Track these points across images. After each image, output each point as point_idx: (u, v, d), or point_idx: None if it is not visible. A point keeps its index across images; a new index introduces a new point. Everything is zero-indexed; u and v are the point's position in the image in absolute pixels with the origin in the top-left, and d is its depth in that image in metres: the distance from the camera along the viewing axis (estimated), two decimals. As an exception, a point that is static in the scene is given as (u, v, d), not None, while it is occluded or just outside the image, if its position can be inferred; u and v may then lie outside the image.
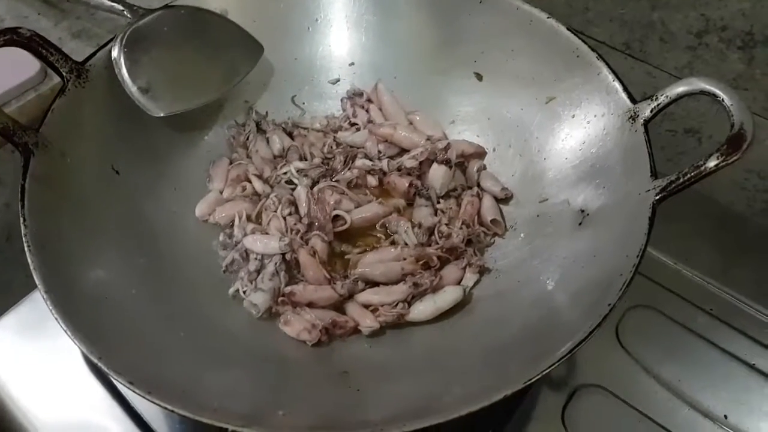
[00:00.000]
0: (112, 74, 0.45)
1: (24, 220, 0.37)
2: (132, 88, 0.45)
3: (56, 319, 0.33)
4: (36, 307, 0.51)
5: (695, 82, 0.38)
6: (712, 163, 0.35)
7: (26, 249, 0.36)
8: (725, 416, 0.47)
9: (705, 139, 0.63)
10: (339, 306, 0.46)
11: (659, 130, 0.65)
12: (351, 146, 0.54)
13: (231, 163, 0.52)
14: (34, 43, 0.42)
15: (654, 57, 0.61)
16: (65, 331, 0.33)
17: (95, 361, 0.32)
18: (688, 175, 0.36)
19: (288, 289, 0.45)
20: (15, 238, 0.65)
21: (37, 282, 0.35)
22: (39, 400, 0.47)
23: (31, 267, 0.35)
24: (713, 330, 0.51)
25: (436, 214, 0.50)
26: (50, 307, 0.34)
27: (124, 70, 0.45)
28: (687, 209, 0.58)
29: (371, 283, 0.46)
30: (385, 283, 0.46)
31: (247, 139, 0.53)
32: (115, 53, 0.45)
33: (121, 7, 0.49)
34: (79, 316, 0.34)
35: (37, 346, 0.49)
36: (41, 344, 0.49)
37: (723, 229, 0.60)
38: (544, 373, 0.31)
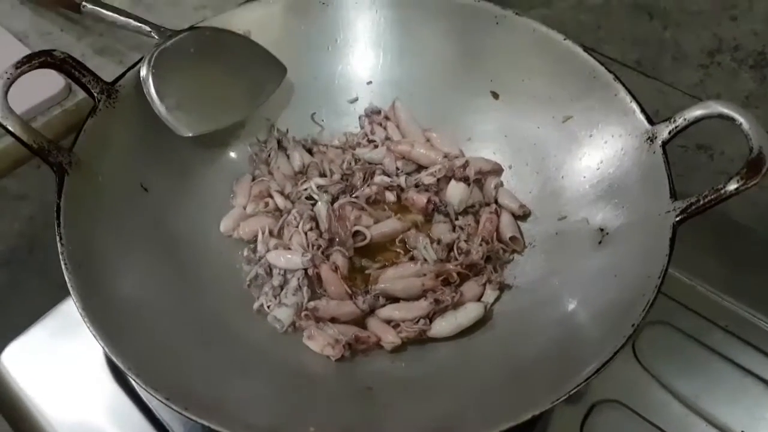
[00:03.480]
0: (140, 94, 0.46)
1: (61, 238, 0.38)
2: (160, 108, 0.46)
3: (95, 336, 0.34)
4: (61, 319, 0.52)
5: (713, 105, 0.39)
6: (732, 186, 0.36)
7: (63, 268, 0.37)
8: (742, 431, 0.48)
9: (717, 155, 0.64)
10: (360, 321, 0.46)
11: (670, 146, 0.66)
12: (369, 163, 0.55)
13: (254, 179, 0.53)
14: (67, 65, 0.43)
15: (666, 75, 0.62)
16: (104, 348, 0.34)
17: (132, 377, 0.33)
18: (709, 198, 0.37)
19: (311, 304, 0.46)
20: (37, 250, 0.66)
21: (74, 299, 0.35)
22: (64, 412, 0.47)
23: (69, 286, 0.36)
24: (728, 345, 0.52)
25: (454, 230, 0.51)
26: (88, 325, 0.34)
27: (152, 90, 0.46)
28: (700, 225, 0.59)
29: (392, 299, 0.47)
30: (406, 299, 0.47)
31: (269, 156, 0.54)
32: (143, 73, 0.47)
33: (148, 29, 0.50)
34: (116, 333, 0.35)
35: (62, 359, 0.50)
36: (66, 356, 0.50)
37: (736, 244, 0.60)
38: (570, 393, 0.32)
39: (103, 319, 0.36)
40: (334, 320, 0.46)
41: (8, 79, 0.40)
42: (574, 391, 0.32)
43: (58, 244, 0.37)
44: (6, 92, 0.39)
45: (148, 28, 0.50)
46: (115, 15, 0.51)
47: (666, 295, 0.53)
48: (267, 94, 0.51)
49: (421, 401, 0.39)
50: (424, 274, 0.47)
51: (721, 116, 0.38)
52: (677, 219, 0.37)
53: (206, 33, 0.50)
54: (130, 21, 0.51)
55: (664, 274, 0.35)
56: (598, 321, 0.38)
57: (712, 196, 0.36)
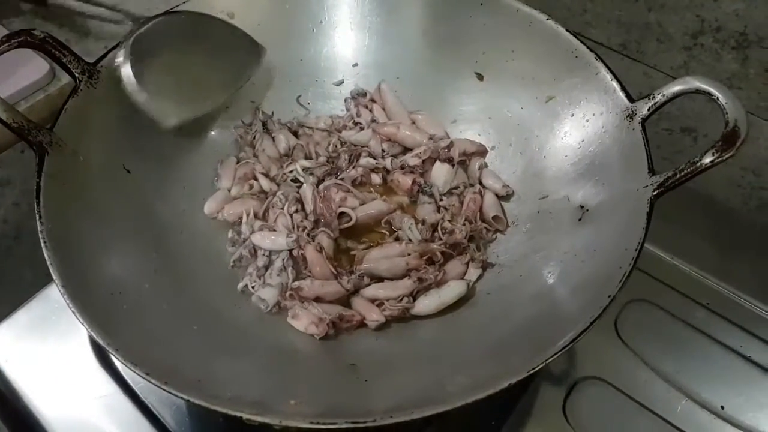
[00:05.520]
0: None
1: (40, 217, 0.37)
2: (140, 98, 0.45)
3: (73, 312, 0.34)
4: (46, 303, 0.52)
5: (691, 81, 0.39)
6: (707, 160, 0.36)
7: (43, 245, 0.36)
8: (722, 407, 0.48)
9: (701, 137, 0.64)
10: (345, 301, 0.47)
11: (656, 129, 0.67)
12: (355, 145, 0.56)
13: (238, 161, 0.53)
14: (48, 45, 0.43)
15: (650, 57, 0.62)
16: (82, 324, 0.34)
17: (112, 353, 0.33)
18: (685, 171, 0.37)
19: (296, 284, 0.46)
20: (24, 237, 0.66)
21: (54, 277, 0.35)
22: (50, 395, 0.47)
23: (48, 263, 0.36)
24: (710, 323, 0.53)
25: (439, 211, 0.51)
26: (67, 301, 0.34)
27: (131, 81, 0.45)
28: (684, 206, 0.59)
29: (376, 279, 0.47)
30: (390, 279, 0.47)
31: (254, 138, 0.54)
32: (120, 61, 0.45)
33: (121, 16, 0.49)
34: (96, 310, 0.35)
35: (47, 342, 0.50)
36: (51, 340, 0.50)
37: (719, 225, 0.61)
38: (547, 361, 0.32)
39: (84, 297, 0.36)
40: (318, 300, 0.46)
41: (-14, 58, 0.39)
42: (552, 360, 0.32)
43: (38, 223, 0.37)
44: (-16, 72, 0.39)
45: (121, 15, 0.49)
46: (83, 3, 0.50)
47: (648, 273, 0.55)
48: (247, 77, 0.51)
49: (403, 375, 0.39)
50: (409, 254, 0.47)
51: (699, 91, 0.38)
52: (655, 193, 0.37)
53: (181, 17, 0.49)
54: (101, 10, 0.50)
55: (640, 247, 0.36)
56: (577, 294, 0.38)
57: (689, 169, 0.37)
